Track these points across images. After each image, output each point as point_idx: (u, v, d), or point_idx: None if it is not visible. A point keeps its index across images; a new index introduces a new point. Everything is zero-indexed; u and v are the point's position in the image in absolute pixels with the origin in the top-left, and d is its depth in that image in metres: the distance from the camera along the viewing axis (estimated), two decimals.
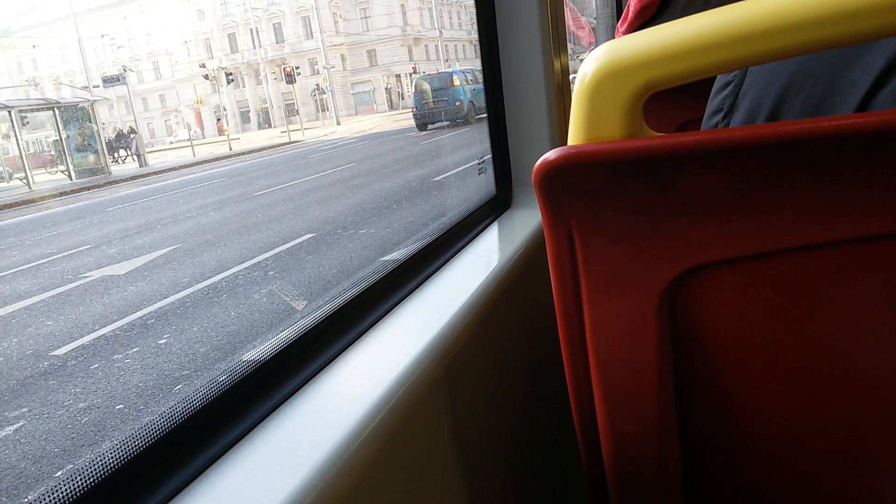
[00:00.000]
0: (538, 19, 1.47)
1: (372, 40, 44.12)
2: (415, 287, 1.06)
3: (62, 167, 15.79)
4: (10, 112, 13.27)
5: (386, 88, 44.27)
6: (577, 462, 0.74)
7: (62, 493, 0.55)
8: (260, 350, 0.77)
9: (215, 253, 7.19)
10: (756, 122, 0.65)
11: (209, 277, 6.12)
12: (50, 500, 0.54)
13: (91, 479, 0.56)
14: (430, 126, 19.29)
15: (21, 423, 3.54)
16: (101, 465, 0.58)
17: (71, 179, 15.72)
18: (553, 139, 1.54)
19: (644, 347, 0.61)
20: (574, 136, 0.57)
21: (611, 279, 0.59)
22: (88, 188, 15.42)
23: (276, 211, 9.55)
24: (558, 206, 0.57)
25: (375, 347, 0.85)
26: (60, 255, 7.95)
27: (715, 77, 0.73)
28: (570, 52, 1.70)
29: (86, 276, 6.72)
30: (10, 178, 14.06)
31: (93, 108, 16.43)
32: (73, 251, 8.19)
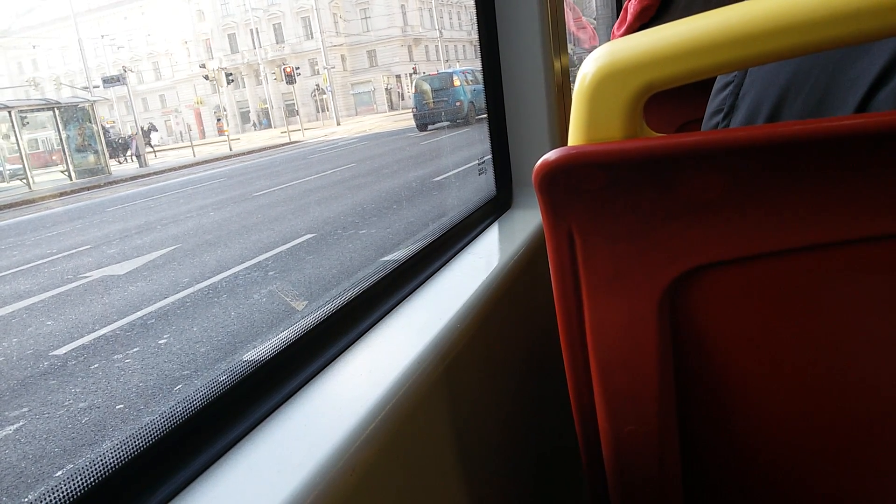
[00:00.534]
0: (538, 20, 1.47)
1: (372, 41, 44.13)
2: (415, 287, 1.06)
3: (62, 167, 15.79)
4: (10, 112, 13.27)
5: (386, 89, 44.27)
6: (577, 462, 0.74)
7: (63, 492, 0.55)
8: (260, 350, 0.77)
9: (215, 253, 7.19)
10: (756, 123, 0.66)
11: (209, 277, 6.12)
12: (50, 500, 0.54)
13: (91, 479, 0.56)
14: (430, 126, 19.29)
15: (21, 423, 3.54)
16: (102, 465, 0.58)
17: (71, 179, 15.72)
18: (553, 140, 1.54)
19: (644, 348, 0.61)
20: (574, 137, 0.57)
21: (611, 280, 0.59)
22: (88, 188, 15.43)
23: (277, 211, 9.55)
24: (558, 206, 0.57)
25: (376, 348, 0.85)
26: (60, 256, 7.95)
27: (715, 78, 0.73)
28: (570, 52, 1.70)
29: (86, 277, 6.72)
30: (24, 175, 14.11)
31: (93, 109, 16.44)
32: (73, 251, 8.19)
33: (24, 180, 14.00)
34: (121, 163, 24.41)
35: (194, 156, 24.62)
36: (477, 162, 11.71)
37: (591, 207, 0.57)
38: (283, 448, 0.63)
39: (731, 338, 0.61)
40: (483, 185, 1.62)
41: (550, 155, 0.55)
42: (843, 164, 0.51)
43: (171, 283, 6.08)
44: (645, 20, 1.28)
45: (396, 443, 0.71)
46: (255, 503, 0.55)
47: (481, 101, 1.63)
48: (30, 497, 2.89)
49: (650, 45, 0.53)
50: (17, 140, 13.46)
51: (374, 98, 44.32)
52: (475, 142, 15.93)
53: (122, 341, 4.68)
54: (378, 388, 0.71)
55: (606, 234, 0.57)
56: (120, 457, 0.59)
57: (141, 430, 0.61)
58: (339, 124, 35.35)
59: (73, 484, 0.56)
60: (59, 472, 3.02)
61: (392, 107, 42.76)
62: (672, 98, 1.17)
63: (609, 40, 0.68)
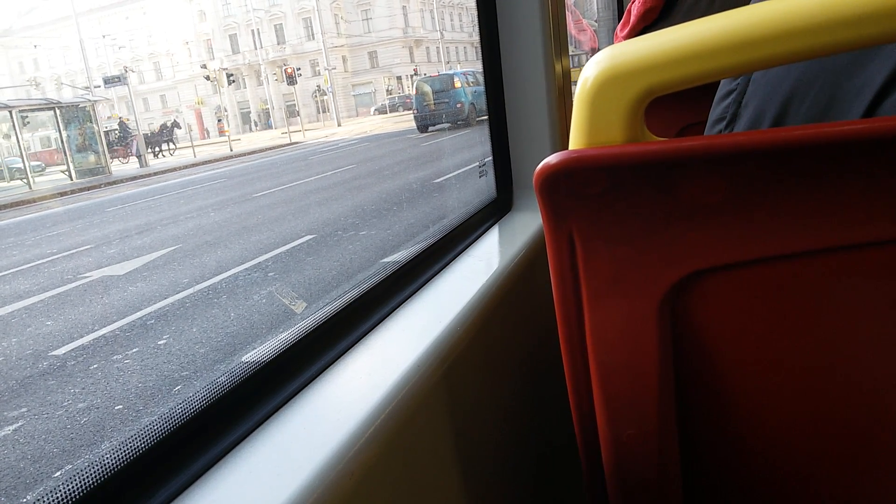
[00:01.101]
0: (539, 22, 1.47)
1: (373, 42, 44.20)
2: (415, 290, 1.06)
3: (62, 167, 15.81)
4: (10, 112, 13.28)
5: (387, 90, 44.31)
6: (577, 467, 0.73)
7: (62, 494, 0.55)
8: (260, 353, 0.77)
9: (215, 254, 7.19)
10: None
11: (209, 278, 6.12)
12: (51, 501, 0.54)
13: (91, 482, 0.56)
14: (430, 128, 19.30)
15: (20, 423, 3.54)
16: (101, 467, 0.57)
17: (71, 179, 15.73)
18: (554, 143, 1.54)
19: (645, 352, 0.61)
20: (575, 140, 0.57)
21: (611, 283, 0.59)
22: (89, 188, 15.43)
23: (277, 212, 9.55)
24: (559, 209, 0.57)
25: (375, 351, 0.85)
26: (60, 255, 7.95)
27: (717, 82, 0.73)
28: (570, 54, 1.70)
29: (86, 277, 6.73)
30: (43, 171, 14.16)
31: (94, 109, 16.45)
32: (73, 251, 8.19)
33: (24, 180, 14.00)
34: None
35: (195, 156, 24.65)
36: (478, 164, 11.71)
37: (591, 211, 0.56)
38: (283, 450, 0.63)
39: (732, 342, 0.61)
40: (484, 188, 1.62)
41: (552, 158, 0.55)
42: (844, 168, 0.51)
43: (170, 284, 6.08)
44: (648, 22, 1.28)
45: (396, 445, 0.71)
46: None
47: (482, 103, 1.64)
48: (29, 498, 2.89)
49: (652, 49, 0.53)
50: (17, 139, 13.46)
51: (374, 99, 44.36)
52: (476, 144, 15.94)
53: (122, 342, 4.68)
54: (378, 391, 0.71)
55: (607, 238, 0.57)
56: (119, 459, 0.59)
57: (140, 432, 0.61)
58: (339, 125, 35.38)
59: (72, 486, 0.55)
60: (58, 473, 3.02)
61: (392, 108, 42.81)
62: (673, 102, 1.17)
63: (611, 42, 0.68)
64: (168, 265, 6.86)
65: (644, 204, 0.55)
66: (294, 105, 41.76)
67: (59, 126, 15.22)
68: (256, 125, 45.32)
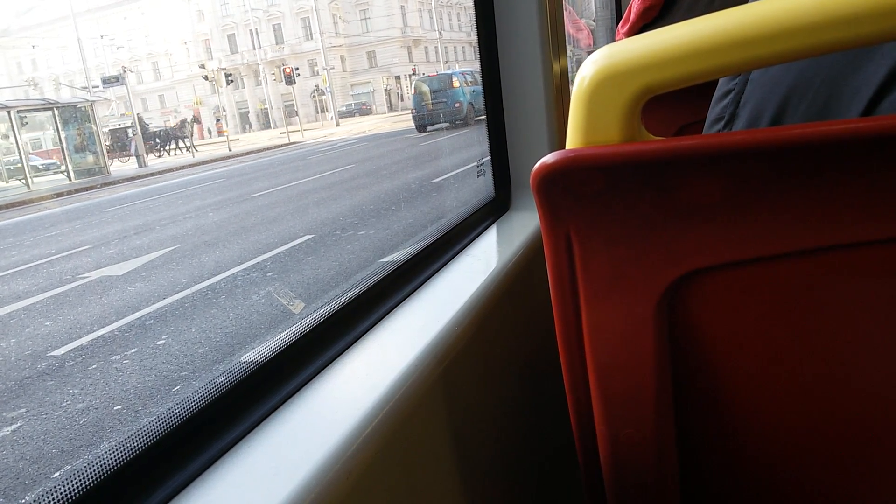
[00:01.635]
0: (537, 22, 1.47)
1: (371, 42, 44.18)
2: (413, 290, 1.06)
3: (61, 167, 15.79)
4: (9, 112, 13.27)
5: (385, 90, 44.30)
6: (574, 466, 0.73)
7: (59, 494, 0.55)
8: (257, 353, 0.77)
9: (214, 254, 7.18)
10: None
11: (208, 279, 6.11)
12: (48, 502, 0.54)
13: (87, 482, 0.56)
14: (429, 128, 19.29)
15: (19, 424, 3.54)
16: (98, 467, 0.57)
17: (70, 180, 15.71)
18: (552, 142, 1.54)
19: (642, 351, 0.61)
20: (572, 140, 0.57)
21: (609, 283, 0.59)
22: (87, 189, 15.41)
23: (275, 212, 9.54)
24: (557, 209, 0.57)
25: (373, 351, 0.85)
26: (59, 256, 7.94)
27: (715, 81, 0.72)
28: (569, 53, 1.70)
29: (84, 277, 6.72)
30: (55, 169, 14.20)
31: (92, 109, 16.42)
32: (72, 252, 8.18)
33: (23, 180, 13.99)
34: (159, 156, 24.96)
35: (193, 156, 24.63)
36: (476, 164, 11.71)
37: (589, 210, 0.56)
38: (280, 451, 0.63)
39: (729, 341, 0.61)
40: (482, 187, 1.62)
41: (548, 158, 0.55)
42: (843, 167, 0.51)
43: (169, 284, 6.07)
44: (647, 20, 1.28)
45: (393, 446, 0.71)
46: None
47: (480, 103, 1.63)
48: (27, 498, 2.88)
49: (649, 47, 0.53)
50: (15, 140, 13.45)
51: (373, 99, 44.34)
52: (474, 143, 15.93)
53: (121, 342, 4.68)
54: (375, 391, 0.71)
55: (604, 237, 0.57)
56: (116, 459, 0.59)
57: (137, 433, 0.61)
58: (338, 125, 35.36)
59: (70, 486, 0.55)
60: (57, 474, 3.02)
61: (391, 108, 42.80)
62: (671, 101, 1.17)
63: (608, 42, 0.68)
64: (167, 265, 6.85)
65: (641, 203, 0.55)
66: (293, 105, 41.73)
67: (57, 126, 15.20)
68: (251, 126, 45.32)
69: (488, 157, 1.59)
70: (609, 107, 0.54)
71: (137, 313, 5.27)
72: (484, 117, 1.59)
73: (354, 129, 30.03)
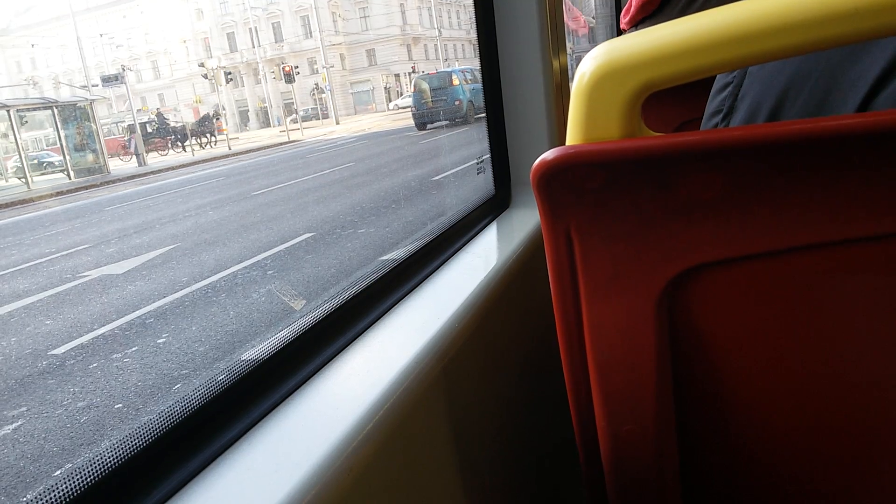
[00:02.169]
0: (537, 19, 1.47)
1: (371, 40, 44.14)
2: (413, 287, 1.06)
3: (61, 167, 15.79)
4: (8, 111, 13.26)
5: (385, 88, 44.27)
6: (575, 462, 0.73)
7: (59, 492, 0.55)
8: (258, 350, 0.77)
9: (214, 252, 7.18)
10: (755, 124, 0.65)
11: (208, 277, 6.11)
12: (47, 500, 0.54)
13: (88, 479, 0.56)
14: (428, 125, 19.28)
15: (20, 422, 3.54)
16: (99, 464, 0.57)
17: (69, 178, 15.71)
18: (552, 139, 1.54)
19: (643, 347, 0.61)
20: (572, 136, 0.57)
21: (609, 279, 0.59)
22: (87, 187, 15.41)
23: (275, 210, 9.54)
24: (557, 206, 0.57)
25: (373, 347, 0.85)
26: (59, 255, 7.94)
27: (714, 77, 0.73)
28: (569, 50, 1.70)
29: (84, 276, 6.72)
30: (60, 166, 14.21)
31: (91, 108, 16.42)
32: (72, 250, 8.18)
33: (23, 179, 13.98)
34: (177, 152, 25.08)
35: (193, 154, 24.62)
36: (476, 161, 11.71)
37: (589, 207, 0.56)
38: (281, 448, 0.63)
39: (730, 337, 0.61)
40: (482, 185, 1.62)
41: (548, 154, 0.55)
42: (842, 163, 0.51)
43: (169, 283, 6.08)
44: (647, 13, 1.28)
45: (394, 443, 0.71)
46: (253, 503, 0.55)
47: (480, 100, 1.63)
48: (28, 497, 2.89)
49: (648, 44, 0.53)
50: (15, 139, 13.45)
51: (373, 97, 44.33)
52: (474, 141, 15.92)
53: (121, 340, 4.68)
54: (376, 388, 0.71)
55: (604, 234, 0.57)
56: (117, 457, 0.59)
57: (138, 430, 0.61)
58: (337, 123, 35.34)
59: (70, 484, 0.55)
60: (58, 472, 3.02)
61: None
62: (670, 97, 1.17)
63: (612, 36, 0.68)
64: (167, 264, 6.85)
65: (641, 199, 0.55)
66: (292, 103, 41.69)
67: (56, 125, 15.19)
68: (258, 117, 45.26)
69: (488, 155, 1.59)
70: (609, 103, 0.54)
71: (138, 312, 5.27)
72: (484, 115, 1.59)
73: (354, 126, 30.02)
